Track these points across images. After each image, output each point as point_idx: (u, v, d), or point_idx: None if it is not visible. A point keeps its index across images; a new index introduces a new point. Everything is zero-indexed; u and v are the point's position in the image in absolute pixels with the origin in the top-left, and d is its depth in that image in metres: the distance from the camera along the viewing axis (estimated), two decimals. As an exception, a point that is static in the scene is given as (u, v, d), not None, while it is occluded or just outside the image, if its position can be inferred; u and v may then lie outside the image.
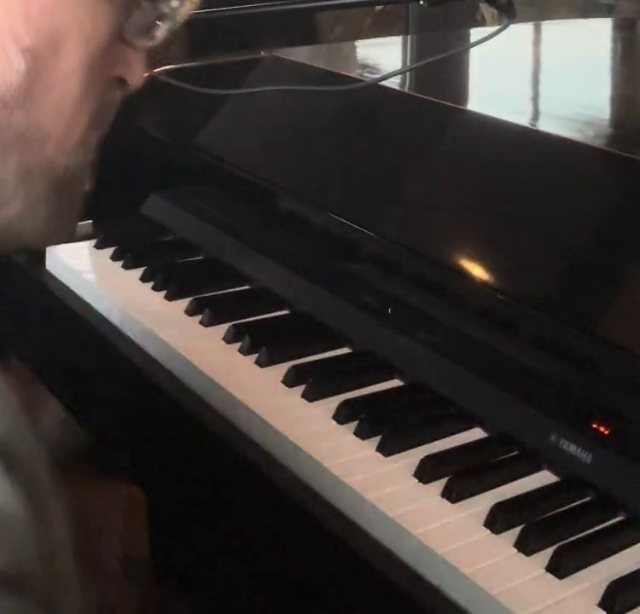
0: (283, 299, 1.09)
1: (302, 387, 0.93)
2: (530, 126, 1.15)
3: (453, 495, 0.78)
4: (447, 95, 1.23)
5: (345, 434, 0.86)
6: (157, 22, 0.60)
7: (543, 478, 0.81)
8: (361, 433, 0.86)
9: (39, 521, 0.49)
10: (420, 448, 0.84)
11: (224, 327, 1.03)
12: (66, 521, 0.54)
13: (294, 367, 0.95)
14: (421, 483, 0.80)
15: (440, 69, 1.32)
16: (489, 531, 0.75)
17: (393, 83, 1.25)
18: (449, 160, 1.11)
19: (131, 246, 1.22)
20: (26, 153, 0.56)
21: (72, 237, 0.62)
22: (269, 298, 1.10)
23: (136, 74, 0.62)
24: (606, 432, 0.80)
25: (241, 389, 0.93)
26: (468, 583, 0.71)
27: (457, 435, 0.87)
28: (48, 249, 1.22)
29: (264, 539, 0.86)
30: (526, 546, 0.73)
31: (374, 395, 0.93)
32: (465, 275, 0.96)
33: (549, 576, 0.71)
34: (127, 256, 1.19)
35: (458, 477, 0.80)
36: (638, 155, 0.98)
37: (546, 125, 1.18)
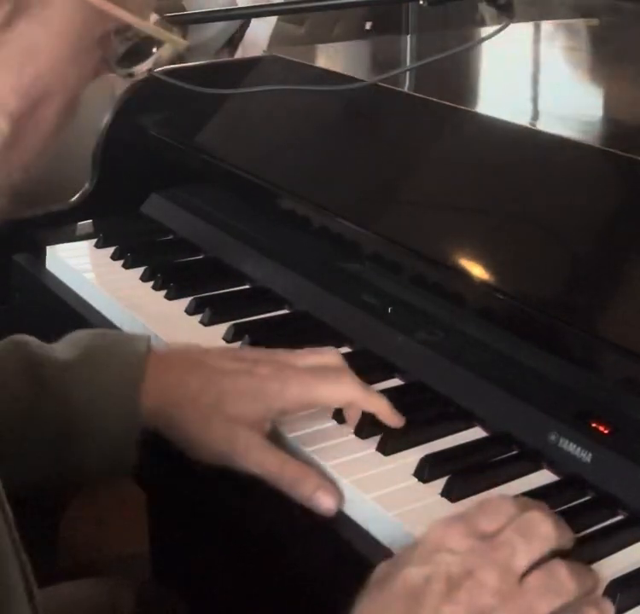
0: (283, 299, 1.09)
1: (302, 387, 0.93)
2: (530, 126, 1.15)
3: (453, 494, 0.78)
4: (447, 94, 1.23)
5: (345, 433, 0.87)
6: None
7: (542, 477, 0.81)
8: (361, 433, 0.86)
9: None
10: (419, 447, 0.84)
11: (224, 327, 1.03)
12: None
13: (294, 366, 0.95)
14: (420, 483, 0.80)
15: (440, 69, 1.32)
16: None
17: (393, 83, 1.25)
18: (449, 160, 1.11)
19: (132, 245, 1.23)
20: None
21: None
22: (269, 297, 1.10)
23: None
24: (605, 432, 0.80)
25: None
26: (468, 582, 0.71)
27: (457, 434, 0.87)
28: (48, 249, 1.22)
29: (263, 539, 0.86)
30: (525, 545, 0.73)
31: (374, 394, 0.93)
32: (465, 275, 0.96)
33: (549, 575, 0.71)
34: (127, 255, 1.19)
35: (458, 476, 0.80)
36: (638, 155, 0.98)
37: (546, 125, 1.18)
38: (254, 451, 0.82)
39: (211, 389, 0.84)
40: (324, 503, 0.79)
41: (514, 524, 0.68)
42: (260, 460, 0.81)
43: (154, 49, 0.62)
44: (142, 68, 0.62)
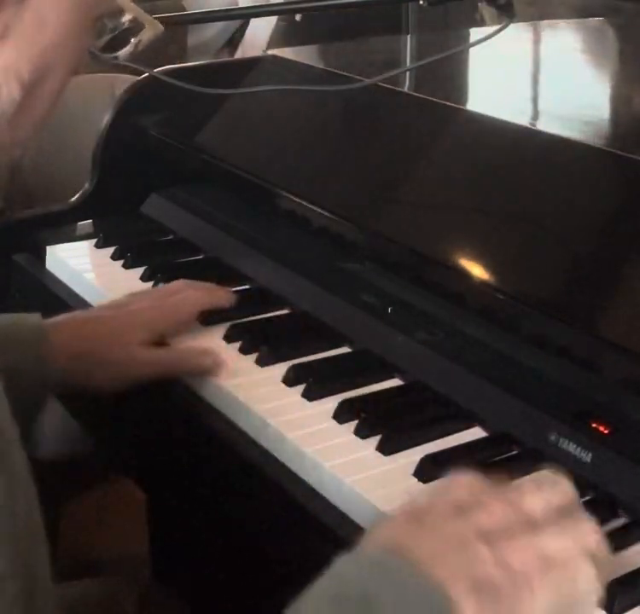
0: (283, 299, 1.09)
1: (302, 387, 0.93)
2: (530, 126, 1.15)
3: (453, 494, 0.78)
4: (447, 94, 1.23)
5: (345, 433, 0.87)
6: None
7: (543, 478, 0.81)
8: (361, 433, 0.86)
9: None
10: (420, 447, 0.84)
11: (223, 326, 1.03)
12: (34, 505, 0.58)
13: (294, 366, 0.95)
14: (421, 483, 0.80)
15: (440, 69, 1.32)
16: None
17: (393, 83, 1.25)
18: (449, 160, 1.11)
19: (132, 245, 1.23)
20: None
21: None
22: (269, 297, 1.10)
23: None
24: (606, 432, 0.80)
25: (241, 388, 0.93)
26: (468, 582, 0.71)
27: (457, 434, 0.87)
28: (48, 249, 1.22)
29: (265, 539, 0.86)
30: (525, 545, 0.73)
31: (374, 394, 0.93)
32: (465, 275, 0.96)
33: (549, 575, 0.71)
34: (127, 255, 1.19)
35: (458, 476, 0.80)
36: (638, 155, 0.98)
37: (546, 125, 1.18)
38: (143, 353, 0.97)
39: (102, 331, 0.98)
40: (205, 362, 0.96)
41: (531, 477, 0.69)
42: (153, 356, 0.98)
43: (133, 39, 0.68)
44: (125, 52, 0.68)
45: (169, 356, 0.99)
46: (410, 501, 0.67)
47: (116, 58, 0.68)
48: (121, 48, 0.69)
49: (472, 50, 1.37)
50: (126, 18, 0.67)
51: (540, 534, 0.64)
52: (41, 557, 0.59)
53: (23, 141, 0.62)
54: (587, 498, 0.79)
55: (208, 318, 1.05)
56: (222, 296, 1.06)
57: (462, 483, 0.67)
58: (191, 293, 1.04)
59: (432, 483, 0.73)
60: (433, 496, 0.67)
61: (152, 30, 0.68)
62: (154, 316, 1.02)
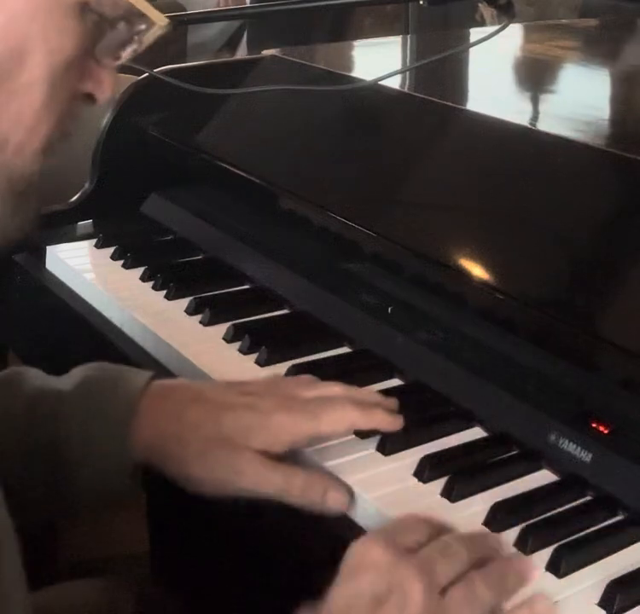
0: (283, 299, 1.09)
1: (302, 387, 0.93)
2: (530, 126, 1.15)
3: (452, 494, 0.78)
4: (447, 94, 1.23)
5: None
6: (126, 44, 0.63)
7: (542, 478, 0.81)
8: (361, 433, 0.86)
9: None
10: (419, 447, 0.84)
11: (223, 327, 1.03)
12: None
13: (294, 366, 0.95)
14: (420, 483, 0.80)
15: (440, 69, 1.32)
16: (489, 530, 0.75)
17: (393, 83, 1.25)
18: (449, 160, 1.11)
19: (131, 245, 1.23)
20: None
21: (29, 232, 0.64)
22: (269, 297, 1.10)
23: (105, 91, 0.64)
24: (605, 432, 0.80)
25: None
26: (468, 582, 0.71)
27: (457, 434, 0.87)
28: (48, 249, 1.22)
29: (263, 539, 0.86)
30: (525, 545, 0.73)
31: (374, 394, 0.93)
32: (465, 275, 0.96)
33: (549, 575, 0.71)
34: (127, 255, 1.19)
35: (458, 476, 0.80)
36: (638, 155, 0.98)
37: (546, 125, 1.18)
38: (257, 469, 0.79)
39: (209, 422, 0.81)
40: (335, 501, 0.78)
41: (434, 543, 0.69)
42: (264, 477, 0.79)
43: (136, 37, 0.62)
44: (127, 53, 0.63)
45: (282, 482, 0.79)
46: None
47: (118, 58, 0.64)
48: (123, 47, 0.64)
49: (472, 50, 1.37)
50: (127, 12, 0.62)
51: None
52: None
53: (18, 149, 0.58)
54: (587, 498, 0.79)
55: (208, 318, 1.05)
56: (383, 421, 0.84)
57: (375, 550, 0.67)
58: (348, 412, 0.82)
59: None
60: (351, 574, 0.67)
61: (156, 21, 0.62)
62: (287, 425, 0.81)
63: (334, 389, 0.85)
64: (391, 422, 0.84)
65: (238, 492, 0.79)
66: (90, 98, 0.64)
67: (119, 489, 0.83)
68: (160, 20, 0.61)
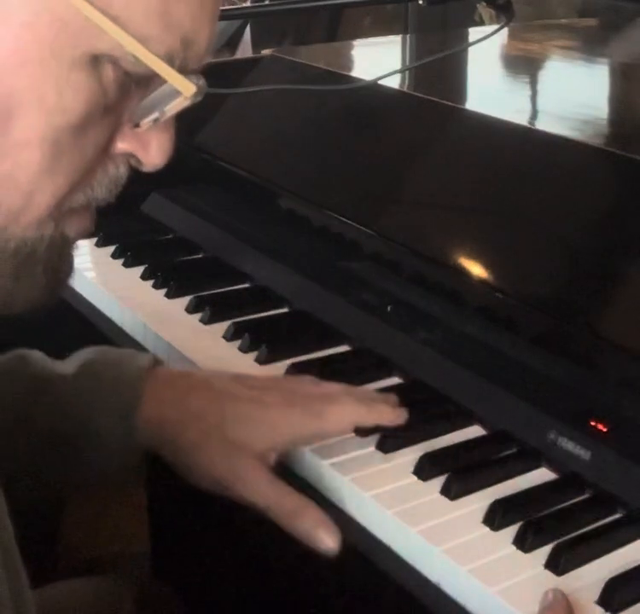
0: (283, 297, 1.09)
1: (302, 385, 0.93)
2: (530, 126, 1.15)
3: (452, 492, 0.79)
4: (447, 94, 1.23)
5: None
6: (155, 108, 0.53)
7: (541, 476, 0.82)
8: (360, 432, 0.86)
9: None
10: (419, 445, 0.84)
11: (224, 325, 1.03)
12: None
13: (294, 364, 0.95)
14: (420, 481, 0.81)
15: (440, 69, 1.32)
16: (488, 528, 0.75)
17: (393, 82, 1.25)
18: (448, 160, 1.11)
19: (132, 244, 1.23)
20: None
21: (41, 304, 0.58)
22: (268, 296, 1.10)
23: (151, 153, 0.56)
24: (604, 430, 0.80)
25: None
26: (467, 580, 0.71)
27: (456, 432, 0.87)
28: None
29: (263, 539, 0.86)
30: (524, 543, 0.73)
31: (373, 393, 0.93)
32: (465, 274, 0.96)
33: (548, 573, 0.72)
34: (128, 254, 1.20)
35: (457, 474, 0.80)
36: (638, 155, 0.99)
37: (546, 125, 1.18)
38: (255, 480, 0.78)
39: (213, 410, 0.81)
40: (325, 542, 0.75)
41: None
42: (260, 490, 0.78)
43: (161, 102, 0.52)
44: (145, 120, 0.53)
45: (276, 499, 0.77)
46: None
47: (137, 126, 0.53)
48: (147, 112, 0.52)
49: (471, 50, 1.37)
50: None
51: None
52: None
53: (14, 214, 0.51)
54: (586, 496, 0.79)
55: (208, 317, 1.05)
56: (386, 415, 0.84)
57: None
58: (351, 408, 0.83)
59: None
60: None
61: (184, 92, 0.51)
62: (291, 420, 0.81)
63: (336, 388, 0.86)
64: (395, 416, 0.84)
65: (231, 493, 0.79)
66: (136, 160, 0.57)
67: (125, 467, 0.83)
68: (187, 90, 0.51)
